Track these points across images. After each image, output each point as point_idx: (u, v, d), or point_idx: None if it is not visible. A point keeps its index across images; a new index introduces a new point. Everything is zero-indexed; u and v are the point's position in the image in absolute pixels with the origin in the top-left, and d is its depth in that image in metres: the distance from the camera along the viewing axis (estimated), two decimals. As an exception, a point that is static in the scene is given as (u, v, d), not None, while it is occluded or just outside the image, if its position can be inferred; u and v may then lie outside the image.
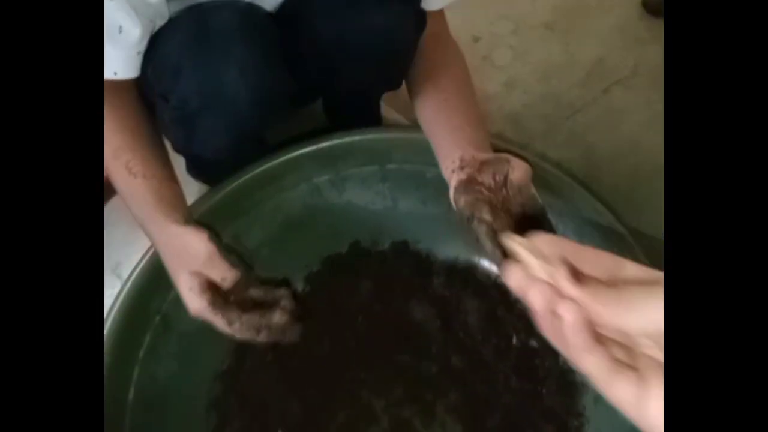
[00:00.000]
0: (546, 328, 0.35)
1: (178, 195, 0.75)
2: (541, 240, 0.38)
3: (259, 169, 0.88)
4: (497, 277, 0.91)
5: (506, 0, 1.49)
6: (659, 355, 0.33)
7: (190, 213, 0.75)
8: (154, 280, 0.78)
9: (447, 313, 0.92)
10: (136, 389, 0.79)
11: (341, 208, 0.96)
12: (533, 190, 0.67)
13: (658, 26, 1.41)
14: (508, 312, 0.90)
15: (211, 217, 0.85)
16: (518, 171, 0.67)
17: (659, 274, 0.34)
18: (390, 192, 0.96)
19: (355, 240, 0.99)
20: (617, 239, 0.79)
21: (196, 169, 1.02)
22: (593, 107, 1.29)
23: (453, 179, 0.70)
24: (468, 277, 0.94)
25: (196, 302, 0.68)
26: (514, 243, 0.37)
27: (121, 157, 0.72)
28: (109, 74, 0.70)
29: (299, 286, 0.97)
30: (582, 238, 0.82)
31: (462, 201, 0.67)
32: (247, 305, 0.71)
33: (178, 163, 0.93)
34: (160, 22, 0.74)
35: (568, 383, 0.84)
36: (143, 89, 0.78)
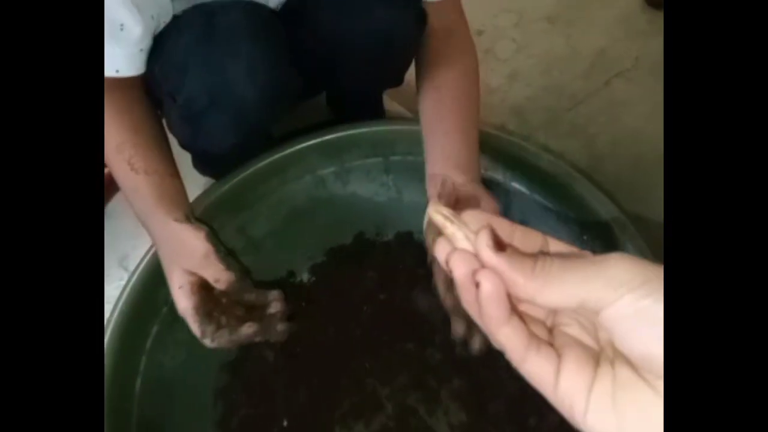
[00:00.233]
0: (466, 299, 0.33)
1: (180, 191, 0.75)
2: (469, 214, 0.37)
3: (264, 162, 0.89)
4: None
5: (508, -7, 1.50)
6: (577, 333, 0.33)
7: (191, 210, 0.75)
8: (161, 271, 0.79)
9: (451, 303, 0.92)
10: (143, 379, 0.80)
11: (346, 200, 0.97)
12: None
13: (659, 18, 1.42)
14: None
15: (217, 209, 0.86)
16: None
17: (580, 251, 0.34)
18: (394, 183, 0.96)
19: (359, 231, 1.00)
20: (619, 228, 0.79)
21: (202, 164, 1.02)
22: (595, 99, 1.30)
23: (429, 209, 0.71)
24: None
25: (183, 302, 0.69)
26: (440, 215, 0.36)
27: (124, 152, 0.72)
28: (111, 72, 0.71)
29: (304, 277, 0.98)
30: (584, 227, 0.83)
31: (430, 239, 0.68)
32: (237, 309, 0.71)
33: (185, 157, 0.94)
34: (165, 20, 0.75)
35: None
36: (150, 87, 0.78)
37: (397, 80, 0.94)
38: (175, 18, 0.75)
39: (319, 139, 0.91)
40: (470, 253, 0.33)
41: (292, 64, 0.79)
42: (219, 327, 0.69)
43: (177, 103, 0.75)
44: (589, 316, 0.32)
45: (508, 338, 0.33)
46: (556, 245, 0.36)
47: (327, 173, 0.94)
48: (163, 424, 0.81)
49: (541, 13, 1.46)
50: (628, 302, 0.29)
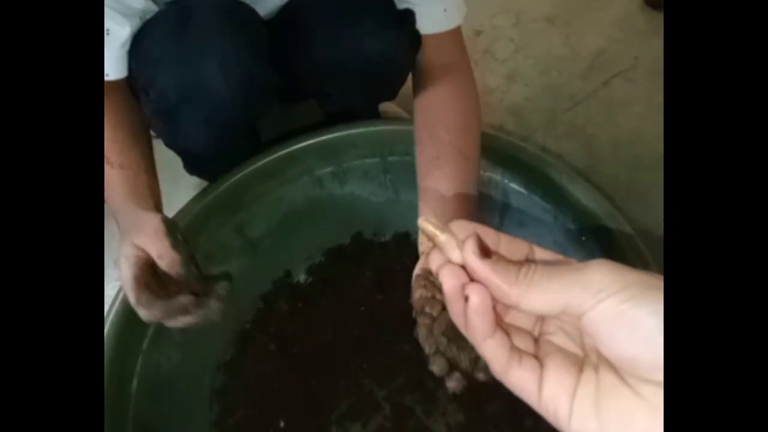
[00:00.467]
0: (455, 311, 0.35)
1: (152, 187, 0.75)
2: (457, 224, 0.38)
3: (262, 162, 0.89)
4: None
5: (507, -7, 1.50)
6: (561, 341, 0.34)
7: (161, 205, 0.74)
8: (158, 271, 0.79)
9: (448, 303, 0.92)
10: (140, 379, 0.79)
11: (343, 200, 0.97)
12: None
13: (658, 19, 1.42)
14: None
15: (214, 209, 0.86)
16: None
17: (565, 259, 0.35)
18: (392, 184, 0.96)
19: (357, 231, 1.00)
20: (618, 229, 0.79)
21: (189, 165, 1.01)
22: (594, 99, 1.30)
23: (417, 266, 0.71)
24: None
25: (124, 270, 0.66)
26: (429, 225, 0.37)
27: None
28: None
29: (301, 277, 0.98)
30: (582, 228, 0.83)
31: (417, 294, 0.68)
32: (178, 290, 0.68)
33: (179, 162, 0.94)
34: (149, 16, 0.75)
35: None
36: (131, 83, 0.79)
37: (391, 96, 0.93)
38: (155, 14, 0.76)
39: (316, 140, 0.91)
40: (460, 267, 0.35)
41: (271, 62, 0.78)
42: (155, 298, 0.67)
43: (150, 98, 0.76)
44: (574, 323, 0.33)
45: (492, 351, 0.34)
46: (541, 253, 0.36)
47: (324, 173, 0.94)
48: (159, 425, 0.80)
49: (539, 13, 1.46)
50: (608, 306, 0.29)
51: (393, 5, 0.81)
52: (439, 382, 0.83)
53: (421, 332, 0.65)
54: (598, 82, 1.32)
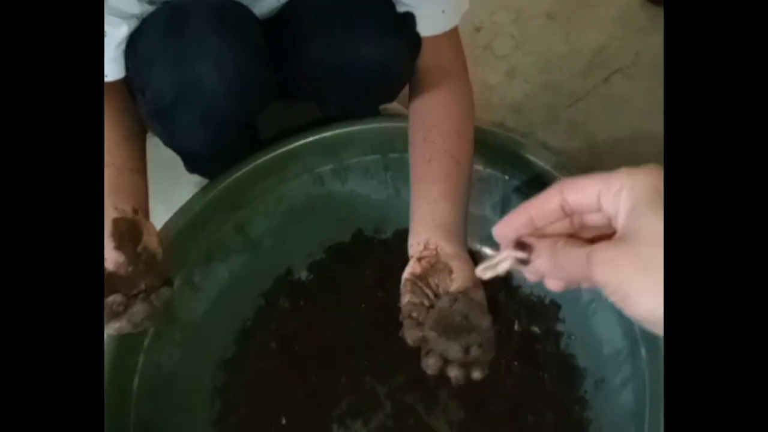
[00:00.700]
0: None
1: (137, 187, 0.74)
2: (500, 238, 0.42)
3: (262, 160, 0.88)
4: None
5: (507, -11, 1.49)
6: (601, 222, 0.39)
7: (145, 206, 0.74)
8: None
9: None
10: (141, 378, 0.80)
11: (344, 198, 0.97)
12: (477, 302, 0.67)
13: (659, 15, 1.41)
14: (510, 298, 0.91)
15: (215, 207, 0.86)
16: (456, 283, 0.67)
17: None
18: (392, 181, 0.96)
19: (358, 229, 0.99)
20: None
21: (189, 164, 1.01)
22: (594, 96, 1.29)
23: (406, 270, 0.72)
24: (469, 264, 0.95)
25: None
26: (489, 273, 0.43)
27: None
28: None
29: (302, 274, 0.98)
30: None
31: (406, 299, 0.69)
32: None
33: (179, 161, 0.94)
34: (146, 16, 0.75)
35: (569, 369, 0.84)
36: (128, 84, 0.79)
37: (390, 100, 0.93)
38: (150, 14, 0.75)
39: (317, 137, 0.90)
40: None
41: (268, 62, 0.78)
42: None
43: (146, 98, 0.75)
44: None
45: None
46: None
47: (325, 171, 0.94)
48: (160, 423, 0.80)
49: (539, 10, 1.46)
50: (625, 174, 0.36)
51: (393, 8, 0.80)
52: (441, 379, 0.83)
53: (406, 324, 0.66)
54: (599, 79, 1.32)
